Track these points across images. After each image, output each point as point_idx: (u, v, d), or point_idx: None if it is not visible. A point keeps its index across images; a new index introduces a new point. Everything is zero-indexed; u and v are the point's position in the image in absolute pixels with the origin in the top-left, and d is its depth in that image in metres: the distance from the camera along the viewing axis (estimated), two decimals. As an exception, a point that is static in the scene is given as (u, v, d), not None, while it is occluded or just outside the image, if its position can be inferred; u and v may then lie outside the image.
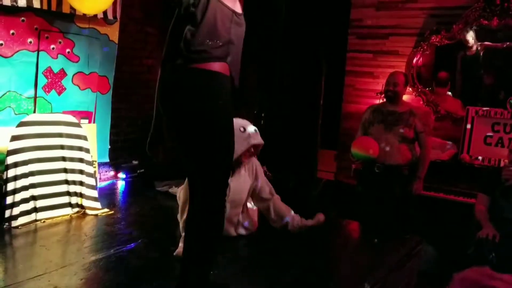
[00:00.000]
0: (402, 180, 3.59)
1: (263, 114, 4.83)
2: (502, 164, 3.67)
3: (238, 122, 2.65)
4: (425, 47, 4.41)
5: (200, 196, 1.83)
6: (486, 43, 4.19)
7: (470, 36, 4.20)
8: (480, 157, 3.89)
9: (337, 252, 2.90)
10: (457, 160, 3.97)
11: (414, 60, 4.48)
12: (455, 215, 3.63)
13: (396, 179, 3.58)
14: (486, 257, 2.95)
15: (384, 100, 3.84)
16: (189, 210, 1.90)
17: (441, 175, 3.85)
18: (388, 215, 3.53)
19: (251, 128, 2.75)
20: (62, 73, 3.71)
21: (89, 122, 3.94)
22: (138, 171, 4.42)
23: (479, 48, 4.23)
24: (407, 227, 3.37)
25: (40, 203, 3.04)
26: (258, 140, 2.74)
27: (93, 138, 3.80)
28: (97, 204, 3.28)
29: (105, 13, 3.80)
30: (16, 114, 3.44)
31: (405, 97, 4.47)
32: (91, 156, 3.46)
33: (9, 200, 2.89)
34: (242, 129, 2.66)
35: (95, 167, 3.77)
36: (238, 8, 1.96)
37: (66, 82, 3.75)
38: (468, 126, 3.99)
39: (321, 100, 5.10)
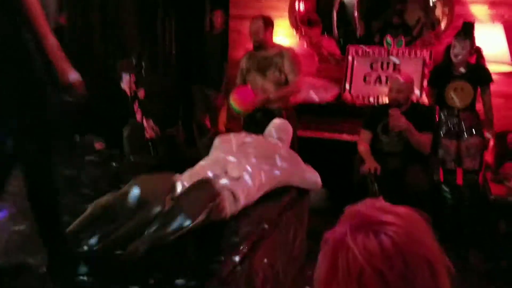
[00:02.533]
0: None
1: (143, 64, 4.50)
2: (380, 101, 3.85)
3: None
4: (307, -11, 4.39)
5: None
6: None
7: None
8: (360, 96, 4.04)
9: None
10: (340, 100, 4.09)
11: (296, 3, 4.45)
12: (342, 153, 3.77)
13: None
14: (369, 189, 3.11)
15: None
16: None
17: (326, 115, 3.96)
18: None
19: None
20: None
21: None
22: None
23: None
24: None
25: None
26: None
27: None
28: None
29: None
30: None
31: (290, 40, 4.49)
32: None
33: None
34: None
35: None
36: None
37: None
38: (349, 65, 4.10)
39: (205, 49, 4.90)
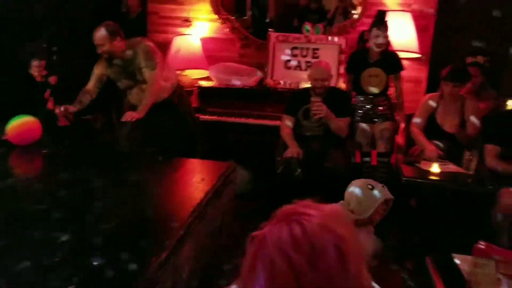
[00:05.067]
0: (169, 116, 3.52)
1: (55, 49, 4.22)
2: (301, 86, 3.95)
3: (364, 180, 2.23)
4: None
5: None
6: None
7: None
8: (282, 81, 4.11)
9: (161, 189, 2.77)
10: (263, 86, 4.14)
11: (217, -14, 4.40)
12: (265, 137, 3.83)
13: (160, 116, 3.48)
14: (293, 174, 3.21)
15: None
16: None
17: (250, 101, 3.99)
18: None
19: (379, 186, 2.28)
20: None
21: None
22: None
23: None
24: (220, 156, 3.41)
25: None
26: (389, 195, 2.26)
27: None
28: None
29: None
30: None
31: (213, 25, 4.44)
32: None
33: None
34: (370, 186, 2.25)
35: None
36: None
37: None
38: (271, 51, 4.15)
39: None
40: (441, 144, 3.30)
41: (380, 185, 2.24)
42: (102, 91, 3.63)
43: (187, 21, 4.44)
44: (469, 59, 3.92)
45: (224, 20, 4.44)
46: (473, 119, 3.28)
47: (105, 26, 3.32)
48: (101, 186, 2.33)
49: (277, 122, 3.62)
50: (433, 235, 3.00)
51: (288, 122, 3.48)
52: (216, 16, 4.43)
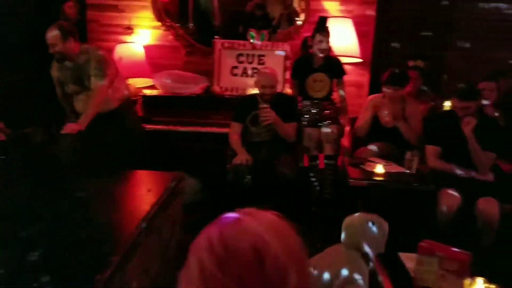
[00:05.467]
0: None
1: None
2: (247, 93, 3.95)
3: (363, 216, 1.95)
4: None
5: None
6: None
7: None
8: (228, 88, 4.10)
9: (105, 203, 2.66)
10: (210, 93, 4.10)
11: (159, -7, 4.33)
12: (214, 145, 3.79)
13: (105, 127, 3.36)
14: (242, 181, 3.19)
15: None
16: None
17: (197, 109, 3.94)
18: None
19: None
20: None
21: None
22: None
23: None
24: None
25: None
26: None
27: None
28: None
29: None
30: None
31: (156, 32, 4.36)
32: None
33: None
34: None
35: None
36: None
37: None
38: (217, 58, 4.13)
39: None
40: (376, 149, 3.41)
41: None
42: (42, 102, 3.47)
43: (129, 29, 4.34)
44: (410, 63, 4.09)
45: (168, 28, 4.38)
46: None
47: (58, 26, 3.23)
48: (40, 201, 2.21)
49: (225, 130, 3.60)
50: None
51: (236, 129, 3.47)
52: (159, 24, 4.36)
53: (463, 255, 1.45)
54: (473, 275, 1.52)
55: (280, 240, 0.73)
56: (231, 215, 0.77)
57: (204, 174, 3.65)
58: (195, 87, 4.07)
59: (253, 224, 0.74)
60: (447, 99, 3.80)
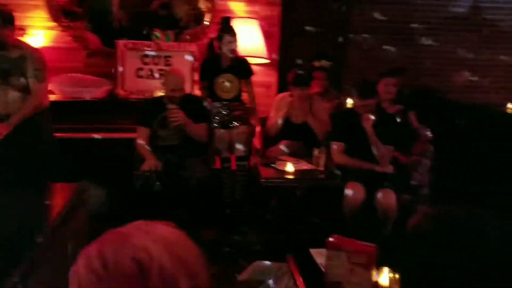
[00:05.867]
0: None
1: None
2: (155, 95, 3.82)
3: None
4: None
5: None
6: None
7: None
8: (134, 91, 3.93)
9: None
10: (113, 96, 3.90)
11: (54, -9, 4.04)
12: (120, 151, 3.61)
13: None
14: (152, 188, 3.07)
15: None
16: None
17: (100, 114, 3.72)
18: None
19: None
20: None
21: None
22: None
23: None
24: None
25: None
26: None
27: None
28: None
29: None
30: None
31: (52, 33, 4.06)
32: None
33: None
34: None
35: None
36: None
37: None
38: (120, 60, 3.94)
39: None
40: (286, 149, 3.47)
41: None
42: None
43: (21, 30, 3.98)
44: (316, 63, 4.21)
45: (65, 28, 4.09)
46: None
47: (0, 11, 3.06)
48: None
49: (132, 135, 3.44)
50: (294, 232, 3.13)
51: (143, 134, 3.33)
52: (55, 24, 4.06)
53: (369, 248, 1.49)
54: (379, 265, 1.58)
55: (168, 250, 0.70)
56: (113, 230, 0.74)
57: (111, 183, 3.46)
58: (97, 91, 3.85)
59: (136, 237, 0.71)
60: (349, 97, 3.99)
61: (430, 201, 3.46)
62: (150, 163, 3.17)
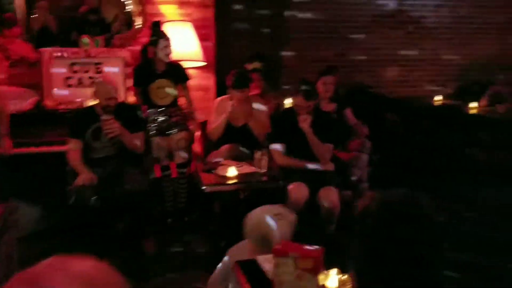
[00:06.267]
0: None
1: None
2: (85, 105, 3.63)
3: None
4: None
5: None
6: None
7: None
8: (63, 101, 3.72)
9: None
10: (41, 108, 3.67)
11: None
12: (51, 166, 3.39)
13: None
14: (88, 202, 2.91)
15: None
16: None
17: (27, 127, 3.48)
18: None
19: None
20: None
21: None
22: None
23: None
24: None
25: None
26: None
27: None
28: None
29: None
30: None
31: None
32: None
33: None
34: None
35: None
36: None
37: None
38: (46, 69, 3.71)
39: None
40: (246, 150, 3.41)
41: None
42: None
43: None
44: (249, 66, 4.19)
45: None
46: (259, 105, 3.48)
47: None
48: None
49: (63, 147, 3.25)
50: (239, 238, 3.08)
51: (75, 146, 3.15)
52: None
53: (316, 252, 1.48)
54: (328, 267, 1.58)
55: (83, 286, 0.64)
56: (24, 272, 0.66)
57: (44, 200, 3.24)
58: (23, 103, 3.60)
59: (48, 278, 0.64)
60: (291, 98, 4.02)
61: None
62: (84, 177, 3.00)
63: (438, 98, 5.11)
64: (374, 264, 0.96)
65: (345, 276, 1.53)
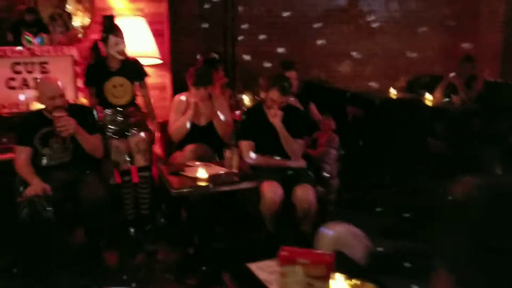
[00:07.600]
0: None
1: None
2: (32, 108, 3.30)
3: None
4: None
5: None
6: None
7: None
8: (6, 105, 3.36)
9: None
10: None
11: None
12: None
13: None
14: (41, 215, 2.62)
15: None
16: None
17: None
18: None
19: None
20: None
21: None
22: None
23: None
24: None
25: None
26: None
27: None
28: None
29: None
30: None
31: None
32: None
33: None
34: None
35: None
36: None
37: None
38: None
39: None
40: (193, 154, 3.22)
41: None
42: None
43: None
44: (206, 56, 4.03)
45: None
46: (220, 115, 3.32)
47: None
48: None
49: (10, 155, 2.92)
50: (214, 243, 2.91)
51: (23, 154, 2.83)
52: None
53: (328, 257, 1.34)
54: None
55: None
56: None
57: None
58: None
59: None
60: (242, 93, 3.90)
61: (341, 190, 3.48)
62: (36, 186, 2.70)
63: (393, 92, 5.16)
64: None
65: (354, 281, 1.40)
